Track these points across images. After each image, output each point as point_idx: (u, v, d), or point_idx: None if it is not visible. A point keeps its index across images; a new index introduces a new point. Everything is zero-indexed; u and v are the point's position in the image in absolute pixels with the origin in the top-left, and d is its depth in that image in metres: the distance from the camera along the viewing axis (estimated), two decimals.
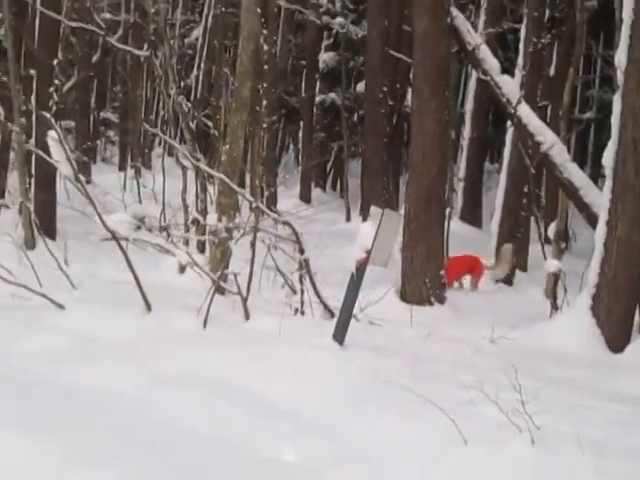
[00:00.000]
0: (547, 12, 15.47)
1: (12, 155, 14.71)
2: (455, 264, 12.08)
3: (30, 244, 11.28)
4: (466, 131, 20.13)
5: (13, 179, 14.51)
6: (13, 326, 7.22)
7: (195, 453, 4.86)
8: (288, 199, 20.93)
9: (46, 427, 4.91)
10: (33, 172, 12.88)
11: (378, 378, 6.13)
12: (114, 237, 8.24)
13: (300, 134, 27.54)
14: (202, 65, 22.58)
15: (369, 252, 6.97)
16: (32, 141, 11.86)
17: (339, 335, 6.96)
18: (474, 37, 11.55)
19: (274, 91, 20.79)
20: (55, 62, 13.85)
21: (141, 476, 4.42)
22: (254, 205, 8.94)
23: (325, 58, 25.79)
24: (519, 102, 11.12)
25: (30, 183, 12.66)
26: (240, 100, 10.43)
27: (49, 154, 8.61)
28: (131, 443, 4.88)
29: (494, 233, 14.35)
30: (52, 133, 8.34)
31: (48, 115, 9.49)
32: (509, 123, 13.21)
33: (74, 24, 19.23)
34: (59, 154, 8.33)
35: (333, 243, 12.60)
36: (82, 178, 8.91)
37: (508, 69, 12.52)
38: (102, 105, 30.77)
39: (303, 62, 26.84)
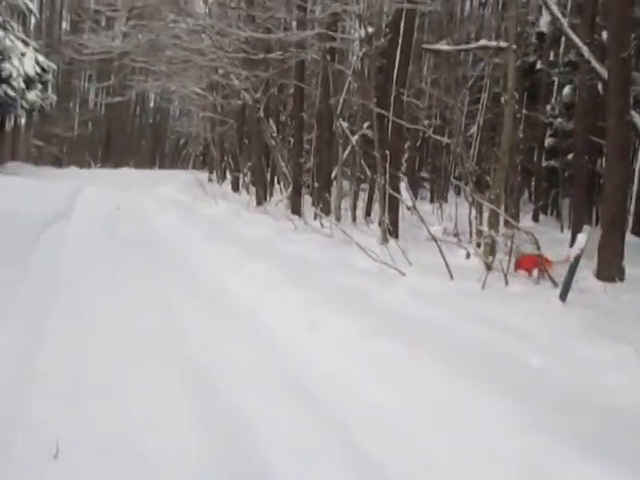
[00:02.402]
0: None
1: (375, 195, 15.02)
2: (525, 260, 9.70)
3: (385, 240, 11.41)
4: (636, 180, 18.57)
5: (375, 206, 14.86)
6: (378, 284, 7.30)
7: (477, 354, 4.77)
8: (526, 221, 20.12)
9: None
10: (387, 203, 13.01)
11: (585, 321, 5.78)
12: (434, 238, 8.23)
13: (532, 184, 26.56)
14: (477, 145, 22.13)
15: (582, 250, 6.61)
16: (387, 186, 11.99)
17: (563, 296, 6.59)
18: None
19: (519, 160, 20.03)
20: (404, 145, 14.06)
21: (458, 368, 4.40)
22: (510, 222, 8.73)
23: (549, 141, 24.61)
24: None
25: (385, 208, 12.82)
26: (501, 165, 10.16)
27: (398, 193, 8.75)
28: (448, 347, 4.88)
29: None
30: (402, 183, 8.47)
31: (400, 174, 9.62)
32: None
33: (409, 125, 19.31)
34: (405, 194, 8.44)
35: (553, 245, 11.91)
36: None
37: None
38: (420, 168, 30.66)
39: (535, 144, 25.79)
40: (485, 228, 9.85)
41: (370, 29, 13.14)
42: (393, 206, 13.21)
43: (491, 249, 9.38)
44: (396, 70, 13.59)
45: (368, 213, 17.13)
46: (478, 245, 10.55)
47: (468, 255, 9.71)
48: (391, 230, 12.14)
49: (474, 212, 12.11)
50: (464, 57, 26.87)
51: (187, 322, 5.68)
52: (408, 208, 10.15)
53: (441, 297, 6.65)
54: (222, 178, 29.57)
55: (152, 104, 52.23)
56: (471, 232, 11.59)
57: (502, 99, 10.99)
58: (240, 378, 4.36)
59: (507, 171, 12.50)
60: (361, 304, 6.20)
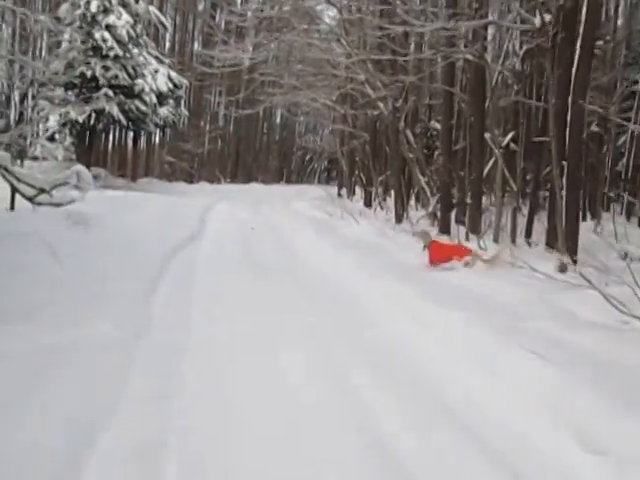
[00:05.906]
0: None
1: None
2: (438, 249, 9.21)
3: (563, 269, 9.06)
4: None
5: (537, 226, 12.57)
6: (635, 349, 4.82)
7: None
8: None
9: None
10: (565, 223, 10.62)
11: None
12: None
13: None
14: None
15: None
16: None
17: None
18: None
19: None
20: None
21: None
22: None
23: None
24: None
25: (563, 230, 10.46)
26: None
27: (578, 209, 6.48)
28: None
29: None
30: None
31: None
32: None
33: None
34: None
35: None
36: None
37: None
38: None
39: None
40: None
41: (547, 16, 10.73)
42: (573, 228, 10.89)
43: None
44: (575, 68, 11.23)
45: (528, 234, 14.69)
46: None
47: None
48: (572, 257, 9.86)
49: None
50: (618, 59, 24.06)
51: (375, 414, 3.72)
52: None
53: None
54: (352, 193, 28.02)
55: (279, 120, 51.84)
56: None
57: None
58: None
59: None
60: (634, 391, 3.96)
